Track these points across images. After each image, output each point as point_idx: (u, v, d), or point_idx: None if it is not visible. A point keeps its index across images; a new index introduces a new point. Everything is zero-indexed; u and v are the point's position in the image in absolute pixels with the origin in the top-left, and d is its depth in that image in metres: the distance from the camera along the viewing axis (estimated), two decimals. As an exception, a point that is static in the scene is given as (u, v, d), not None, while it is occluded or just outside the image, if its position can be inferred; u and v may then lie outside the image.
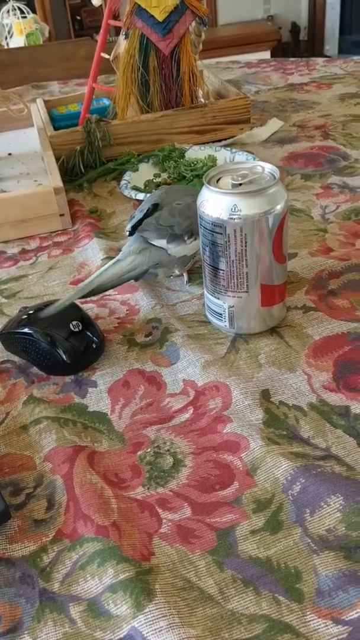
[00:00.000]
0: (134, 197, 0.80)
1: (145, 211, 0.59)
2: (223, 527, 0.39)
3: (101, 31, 0.93)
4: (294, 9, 4.69)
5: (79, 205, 0.83)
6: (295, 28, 4.70)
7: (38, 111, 1.02)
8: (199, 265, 0.61)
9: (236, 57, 1.91)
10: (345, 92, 1.12)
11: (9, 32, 2.04)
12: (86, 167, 0.90)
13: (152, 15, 0.86)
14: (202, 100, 1.00)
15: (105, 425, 0.47)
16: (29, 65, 1.51)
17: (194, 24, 0.90)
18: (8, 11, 2.00)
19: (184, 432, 0.46)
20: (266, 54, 2.27)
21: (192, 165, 0.85)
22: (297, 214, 0.74)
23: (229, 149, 0.90)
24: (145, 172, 0.88)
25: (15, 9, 2.00)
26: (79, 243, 0.74)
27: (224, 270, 0.51)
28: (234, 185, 0.49)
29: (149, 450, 0.45)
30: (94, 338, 0.54)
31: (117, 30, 0.92)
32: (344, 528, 0.37)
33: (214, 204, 0.49)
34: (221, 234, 0.49)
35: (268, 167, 0.51)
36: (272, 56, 4.11)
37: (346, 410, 0.46)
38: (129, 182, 0.84)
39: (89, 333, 0.54)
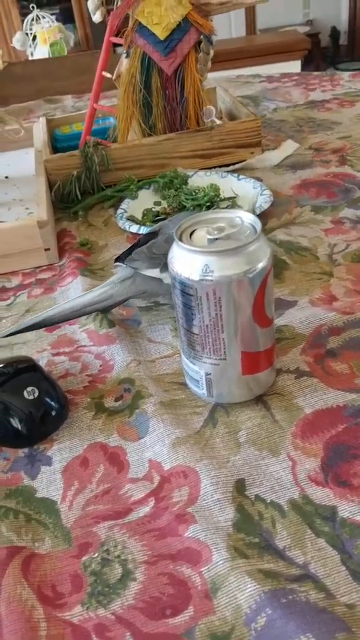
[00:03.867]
0: (127, 229, 0.74)
1: (135, 242, 0.55)
2: (167, 669, 0.32)
3: (103, 49, 0.87)
4: (333, 13, 4.58)
5: (70, 236, 0.77)
6: (335, 32, 4.59)
7: (40, 131, 0.97)
8: None
9: (263, 67, 1.84)
10: (369, 111, 1.04)
11: (33, 41, 2.01)
12: (84, 193, 0.84)
13: (153, 33, 0.80)
14: (216, 120, 0.94)
15: (51, 518, 0.41)
16: (43, 79, 1.47)
17: (202, 42, 0.83)
18: (33, 20, 1.97)
19: (140, 531, 0.40)
20: (296, 64, 2.18)
21: (194, 194, 0.78)
22: (302, 253, 0.66)
23: (235, 175, 0.83)
24: (145, 199, 0.82)
25: (39, 18, 1.97)
26: (63, 281, 0.68)
27: (197, 335, 0.44)
28: (210, 241, 0.42)
29: (96, 555, 0.38)
30: (54, 404, 0.48)
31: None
32: None
33: (184, 262, 0.42)
34: (192, 295, 0.43)
35: (249, 219, 0.44)
36: (305, 63, 4.02)
37: (332, 513, 0.39)
38: (126, 211, 0.78)
39: (47, 399, 0.48)
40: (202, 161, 0.88)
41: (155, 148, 0.85)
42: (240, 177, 0.82)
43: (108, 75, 0.87)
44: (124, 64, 0.85)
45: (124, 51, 0.83)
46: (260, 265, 0.42)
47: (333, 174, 0.83)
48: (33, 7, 1.94)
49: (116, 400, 0.50)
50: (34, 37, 2.03)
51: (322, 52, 4.60)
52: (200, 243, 0.43)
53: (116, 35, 0.84)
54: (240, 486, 0.41)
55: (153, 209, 0.79)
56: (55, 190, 0.83)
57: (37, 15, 1.94)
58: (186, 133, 0.85)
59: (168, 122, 0.86)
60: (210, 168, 0.87)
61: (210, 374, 0.46)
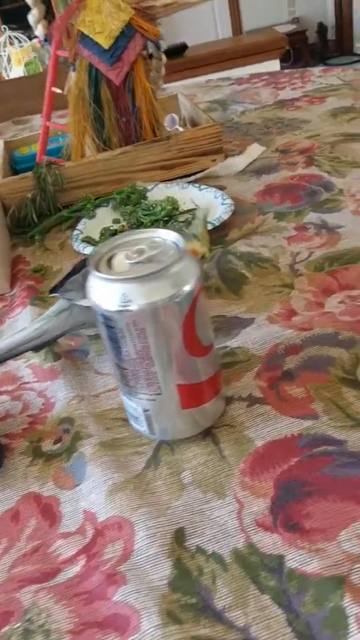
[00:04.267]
0: (82, 251, 0.70)
1: (70, 270, 0.51)
2: None
3: (50, 63, 0.83)
4: (319, 9, 4.56)
5: (24, 262, 0.74)
6: (322, 28, 4.56)
7: (1, 154, 0.93)
8: None
9: (241, 69, 1.80)
10: (338, 107, 1.00)
11: (8, 63, 1.99)
12: (41, 215, 0.81)
13: (97, 43, 0.76)
14: (180, 129, 0.90)
15: (-28, 585, 0.37)
16: (15, 99, 1.44)
17: (150, 48, 0.80)
18: (5, 42, 1.95)
19: (67, 595, 0.35)
20: (274, 63, 2.14)
21: (151, 209, 0.74)
22: (262, 265, 0.62)
23: (197, 185, 0.79)
24: (104, 218, 0.78)
25: (12, 39, 1.95)
26: (13, 312, 0.64)
27: (128, 370, 0.40)
28: (131, 266, 0.38)
29: (17, 626, 0.34)
30: (-15, 454, 0.44)
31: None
32: None
33: (101, 292, 0.38)
34: (114, 328, 0.39)
35: (171, 237, 0.40)
36: (294, 61, 3.98)
37: (279, 563, 0.35)
38: (82, 232, 0.74)
39: (-23, 449, 0.44)
40: (163, 173, 0.84)
41: (111, 163, 0.81)
42: (202, 187, 0.78)
43: (58, 90, 0.84)
44: (72, 77, 0.81)
45: (70, 64, 0.79)
46: (187, 287, 0.38)
47: (299, 176, 0.79)
48: (5, 28, 1.92)
49: (55, 442, 0.46)
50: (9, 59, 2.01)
51: (311, 49, 4.57)
52: (120, 269, 0.39)
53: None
54: (179, 536, 0.37)
55: (111, 228, 0.75)
56: (11, 215, 0.80)
57: (9, 37, 1.93)
58: (143, 145, 0.82)
59: (123, 135, 0.82)
60: (171, 180, 0.84)
61: (148, 410, 0.42)
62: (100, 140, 0.82)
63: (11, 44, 1.95)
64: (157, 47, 0.80)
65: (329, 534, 0.35)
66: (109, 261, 0.40)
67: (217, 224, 0.68)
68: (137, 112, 0.81)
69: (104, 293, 0.38)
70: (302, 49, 4.41)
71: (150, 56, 0.84)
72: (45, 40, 0.84)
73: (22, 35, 1.92)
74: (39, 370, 0.54)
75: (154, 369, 0.40)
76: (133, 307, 0.37)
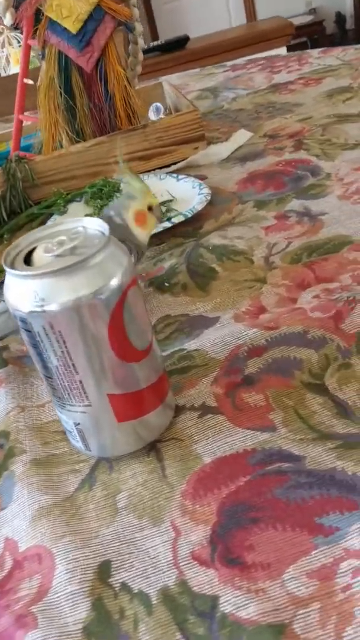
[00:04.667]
0: (49, 249, 0.65)
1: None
2: None
3: (22, 53, 0.79)
4: (337, -2, 4.45)
5: (-11, 263, 0.69)
6: (340, 18, 4.46)
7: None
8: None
9: (244, 59, 1.74)
10: (335, 87, 0.94)
11: (7, 63, 1.96)
12: (12, 213, 0.77)
13: (65, 28, 0.72)
14: (162, 117, 0.85)
15: None
16: (1, 97, 1.41)
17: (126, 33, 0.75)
18: (4, 42, 1.92)
19: (-29, 642, 0.31)
20: (281, 51, 2.07)
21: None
22: (235, 259, 0.57)
23: (175, 176, 0.74)
24: (76, 213, 0.73)
25: (11, 39, 1.92)
26: (-30, 316, 0.60)
27: (52, 379, 0.35)
28: (52, 259, 0.34)
29: None
30: None
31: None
32: None
33: (15, 291, 0.34)
34: (30, 331, 0.34)
35: (96, 225, 0.35)
36: (304, 49, 3.89)
37: (212, 606, 0.29)
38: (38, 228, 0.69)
39: None
40: (142, 163, 0.79)
41: (85, 155, 0.76)
42: (180, 177, 0.73)
43: (30, 82, 0.80)
44: (43, 67, 0.77)
45: (39, 52, 0.75)
46: (114, 282, 0.33)
47: (285, 161, 0.73)
48: (3, 28, 1.89)
49: (-13, 460, 0.42)
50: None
51: (330, 40, 4.47)
52: (39, 264, 0.34)
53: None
54: (104, 571, 0.32)
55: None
56: (-20, 213, 0.76)
57: (7, 36, 1.90)
58: (118, 135, 0.77)
59: (97, 125, 0.78)
60: (150, 171, 0.78)
61: (79, 424, 0.37)
62: (72, 132, 0.77)
63: (10, 44, 1.92)
64: (129, 29, 0.74)
65: (274, 570, 0.30)
66: (29, 256, 0.35)
67: (190, 215, 0.63)
68: (111, 100, 0.76)
69: (18, 292, 0.33)
70: (320, 40, 4.31)
71: (129, 41, 0.79)
72: (16, 28, 0.80)
73: (21, 35, 1.88)
74: (-18, 378, 0.49)
75: (78, 378, 0.35)
76: (47, 307, 0.32)
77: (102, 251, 0.33)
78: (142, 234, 0.50)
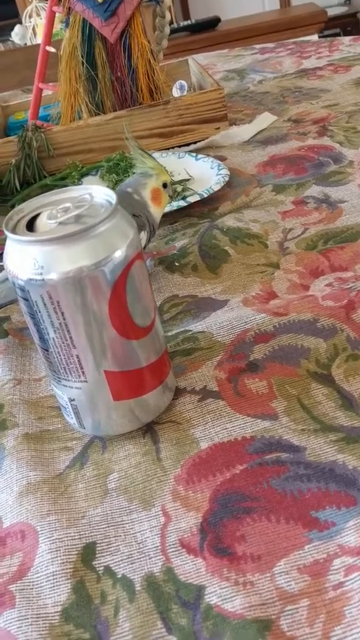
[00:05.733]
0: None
1: None
2: None
3: (45, 20, 0.77)
4: (376, -11, 4.35)
5: (-1, 233, 0.68)
6: (378, 9, 4.35)
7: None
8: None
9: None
10: (364, 75, 0.91)
11: (33, 33, 1.94)
12: (26, 183, 0.75)
13: (91, -5, 0.70)
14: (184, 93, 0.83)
15: None
16: (25, 68, 1.39)
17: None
18: (31, 12, 1.89)
19: None
20: (313, 38, 2.02)
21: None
22: (249, 242, 0.55)
23: (194, 155, 0.72)
24: (91, 187, 0.71)
25: (39, 10, 1.89)
26: (-24, 284, 0.59)
27: (48, 352, 0.34)
28: (56, 227, 0.32)
29: None
30: None
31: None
32: None
33: (15, 258, 0.32)
34: (28, 300, 0.32)
35: (102, 194, 0.33)
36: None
37: (197, 595, 0.28)
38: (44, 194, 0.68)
39: None
40: (161, 141, 0.77)
41: (104, 128, 0.75)
42: (199, 156, 0.71)
43: (52, 50, 0.78)
44: (66, 35, 0.75)
45: (63, 20, 0.73)
46: (118, 254, 0.32)
47: (308, 147, 0.71)
48: (32, -1, 1.87)
49: (-21, 431, 0.41)
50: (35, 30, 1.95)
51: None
52: (42, 230, 0.33)
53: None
54: (88, 552, 0.31)
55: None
56: (-7, 181, 0.74)
57: (36, 7, 1.87)
58: (138, 109, 0.75)
59: (118, 98, 0.76)
60: (169, 149, 0.77)
61: (74, 400, 0.36)
62: (92, 104, 0.75)
63: (38, 14, 1.89)
64: (157, 1, 0.72)
65: (264, 563, 0.29)
66: (32, 223, 0.34)
67: (206, 195, 0.61)
68: (134, 74, 0.74)
69: (18, 259, 0.32)
70: (353, 31, 4.22)
71: (156, 14, 0.77)
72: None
73: (50, 6, 1.85)
74: (-18, 348, 0.48)
75: (75, 352, 0.33)
76: (46, 275, 0.31)
77: (107, 221, 0.31)
78: (156, 211, 0.49)
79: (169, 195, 0.50)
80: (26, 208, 0.34)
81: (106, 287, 0.32)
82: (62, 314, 0.32)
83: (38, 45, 1.74)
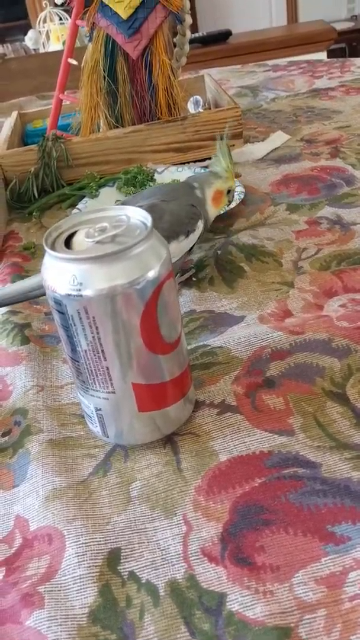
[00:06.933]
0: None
1: None
2: None
3: (68, 33, 0.79)
4: (383, 8, 4.39)
5: (16, 239, 0.69)
6: (384, 28, 4.40)
7: (7, 126, 0.90)
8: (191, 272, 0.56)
9: (284, 60, 1.73)
10: (376, 98, 0.93)
11: (47, 39, 1.96)
12: (44, 191, 0.77)
13: (116, 13, 0.72)
14: (202, 111, 0.85)
15: None
16: (40, 74, 1.41)
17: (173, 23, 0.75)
18: (45, 18, 1.91)
19: (-23, 613, 0.31)
20: (321, 56, 2.05)
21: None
22: (263, 259, 0.57)
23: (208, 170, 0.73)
24: (108, 198, 0.73)
25: (53, 16, 1.91)
26: (-5, 290, 0.60)
27: (79, 363, 0.36)
28: (91, 245, 0.34)
29: None
30: None
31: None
32: None
33: (53, 272, 0.34)
34: (64, 314, 0.34)
35: (138, 216, 0.35)
36: (342, 54, 3.86)
37: (219, 602, 0.30)
38: (81, 212, 0.70)
39: None
40: (176, 155, 0.79)
41: (122, 141, 0.77)
42: (214, 172, 0.73)
43: (74, 62, 0.80)
44: (89, 49, 0.77)
45: (86, 34, 0.75)
46: (151, 274, 0.33)
47: (320, 167, 0.73)
48: (46, 4, 1.89)
49: (3, 435, 0.42)
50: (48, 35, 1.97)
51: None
52: (79, 248, 0.34)
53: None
54: (113, 558, 0.32)
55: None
56: (11, 189, 0.76)
57: (49, 13, 1.89)
58: (156, 124, 0.77)
59: (137, 113, 0.77)
60: (185, 163, 0.78)
61: (100, 409, 0.37)
62: (112, 117, 0.77)
63: (51, 20, 1.91)
64: (179, 20, 0.74)
65: (283, 573, 0.30)
66: (70, 239, 0.35)
67: (222, 212, 0.63)
68: (154, 90, 0.76)
69: (56, 274, 0.34)
70: (358, 47, 4.27)
71: (177, 32, 0.79)
72: (65, 7, 0.80)
73: (64, 13, 1.88)
74: (3, 353, 0.50)
75: (105, 364, 0.35)
76: (84, 291, 0.32)
77: (142, 242, 0.33)
78: (212, 211, 0.53)
79: (228, 201, 0.53)
80: (64, 225, 0.36)
81: (139, 304, 0.33)
82: (97, 328, 0.33)
83: (54, 52, 1.76)
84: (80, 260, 0.33)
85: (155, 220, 0.48)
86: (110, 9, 0.72)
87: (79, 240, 0.35)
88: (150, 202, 0.50)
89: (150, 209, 0.49)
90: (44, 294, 0.47)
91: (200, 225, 0.51)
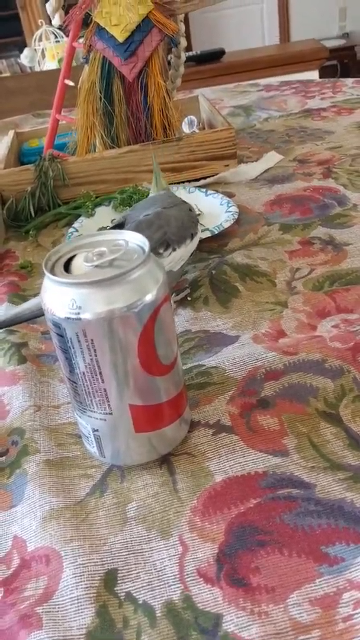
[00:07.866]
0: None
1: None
2: None
3: (65, 55, 0.80)
4: (372, 24, 4.46)
5: (13, 258, 0.70)
6: (375, 45, 4.46)
7: (3, 145, 0.91)
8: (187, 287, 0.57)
9: (277, 78, 1.75)
10: (367, 119, 0.95)
11: (42, 57, 1.98)
12: (40, 210, 0.78)
13: (112, 36, 0.73)
14: (198, 131, 0.86)
15: None
16: (36, 92, 1.42)
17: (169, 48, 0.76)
18: (41, 36, 1.94)
19: (-25, 634, 0.31)
20: (313, 74, 2.09)
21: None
22: (257, 279, 0.57)
23: (204, 190, 0.74)
24: (103, 217, 0.74)
25: (48, 34, 1.93)
26: (-9, 308, 0.61)
27: (77, 384, 0.36)
28: (89, 269, 0.34)
29: None
30: None
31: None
32: None
33: (52, 296, 0.34)
34: (63, 336, 0.34)
35: (136, 240, 0.36)
36: (340, 75, 3.91)
37: (215, 623, 0.30)
38: (77, 231, 0.71)
39: None
40: (171, 175, 0.80)
41: (118, 161, 0.78)
42: (209, 192, 0.74)
43: (71, 83, 0.81)
44: (85, 70, 0.78)
45: (83, 57, 0.76)
46: (148, 297, 0.34)
47: (313, 187, 0.74)
48: (42, 22, 1.91)
49: (0, 455, 0.42)
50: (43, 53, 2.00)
51: (359, 65, 4.48)
52: (77, 272, 0.35)
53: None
54: (110, 579, 0.33)
55: (108, 228, 0.71)
56: (8, 208, 0.77)
57: (45, 31, 1.91)
58: (152, 144, 0.78)
59: (132, 133, 0.78)
60: (180, 183, 0.79)
61: (97, 430, 0.38)
62: (108, 137, 0.78)
63: (47, 38, 1.93)
64: (174, 43, 0.76)
65: (278, 594, 0.31)
66: (68, 263, 0.36)
67: (216, 231, 0.64)
68: (149, 111, 0.77)
69: (55, 297, 0.34)
70: (350, 64, 4.33)
71: (170, 54, 0.80)
72: (63, 29, 0.81)
73: (59, 31, 1.91)
74: (0, 373, 0.50)
75: (103, 386, 0.35)
76: (83, 315, 0.33)
77: (140, 267, 0.34)
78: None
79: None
80: (63, 249, 0.37)
81: (137, 327, 0.34)
82: (95, 350, 0.34)
83: (50, 71, 1.78)
84: (79, 285, 0.33)
85: (163, 226, 0.50)
86: (107, 32, 0.73)
87: (78, 264, 0.35)
88: (155, 210, 0.52)
89: (157, 217, 0.52)
90: (42, 315, 0.48)
91: (200, 227, 0.53)
